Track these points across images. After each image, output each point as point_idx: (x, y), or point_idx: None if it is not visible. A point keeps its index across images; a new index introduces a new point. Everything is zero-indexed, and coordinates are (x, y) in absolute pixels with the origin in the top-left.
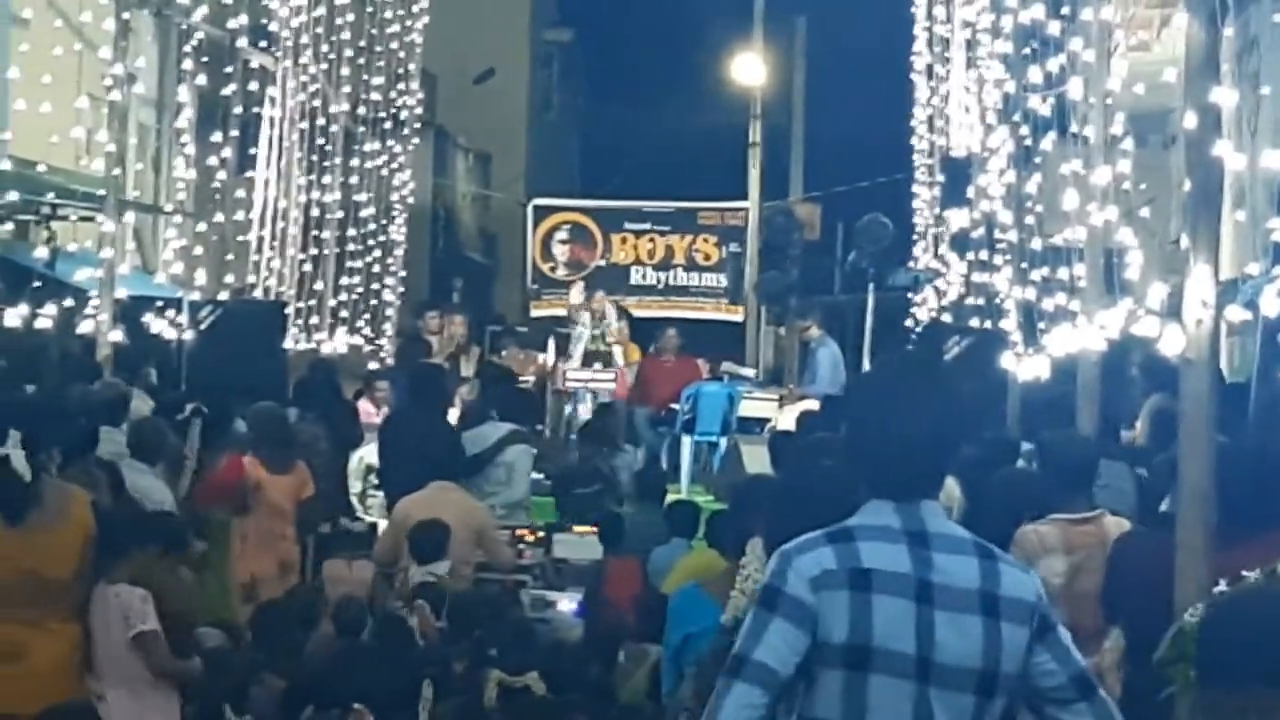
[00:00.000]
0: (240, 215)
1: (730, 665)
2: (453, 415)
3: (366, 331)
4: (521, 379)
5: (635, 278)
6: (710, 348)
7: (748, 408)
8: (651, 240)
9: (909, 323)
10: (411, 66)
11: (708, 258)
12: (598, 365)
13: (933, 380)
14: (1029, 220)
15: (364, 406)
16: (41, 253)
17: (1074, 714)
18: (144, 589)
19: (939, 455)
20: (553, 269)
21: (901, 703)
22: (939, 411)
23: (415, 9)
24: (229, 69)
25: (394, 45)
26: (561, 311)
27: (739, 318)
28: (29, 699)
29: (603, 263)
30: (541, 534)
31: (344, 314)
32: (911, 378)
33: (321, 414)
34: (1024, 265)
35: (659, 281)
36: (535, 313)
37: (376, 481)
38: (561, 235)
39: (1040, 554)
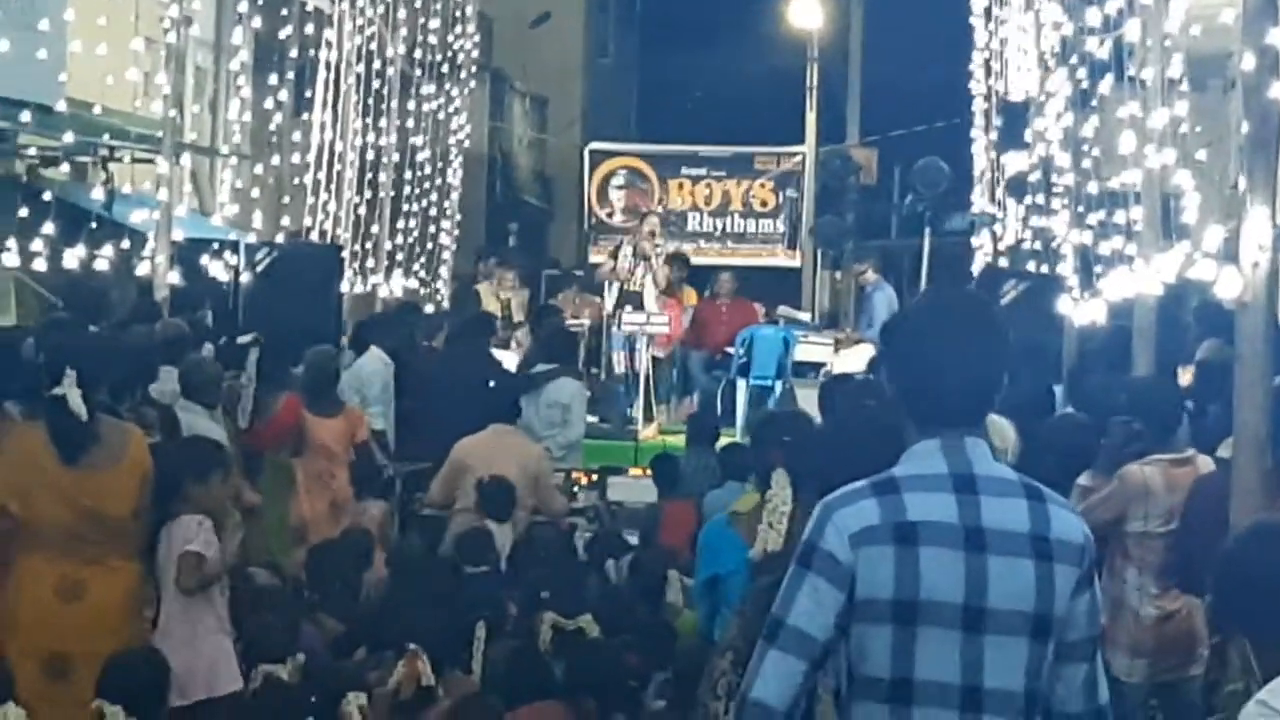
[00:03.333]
0: (296, 158)
1: (768, 629)
2: (508, 361)
3: (422, 276)
4: (577, 323)
5: (692, 224)
6: (767, 293)
7: (803, 352)
8: (708, 186)
9: (966, 267)
10: (468, 10)
11: (764, 203)
12: (628, 306)
13: (981, 310)
14: (1086, 164)
15: None
16: (98, 195)
17: (1071, 675)
18: (202, 515)
19: (985, 384)
20: (609, 214)
21: (951, 653)
22: (986, 339)
23: None
24: (285, 11)
25: None
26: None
27: (795, 263)
28: (89, 637)
29: (659, 208)
30: (596, 476)
31: (400, 258)
32: (960, 307)
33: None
34: (1081, 209)
35: (716, 228)
36: (592, 258)
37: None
38: (618, 180)
39: (1144, 493)
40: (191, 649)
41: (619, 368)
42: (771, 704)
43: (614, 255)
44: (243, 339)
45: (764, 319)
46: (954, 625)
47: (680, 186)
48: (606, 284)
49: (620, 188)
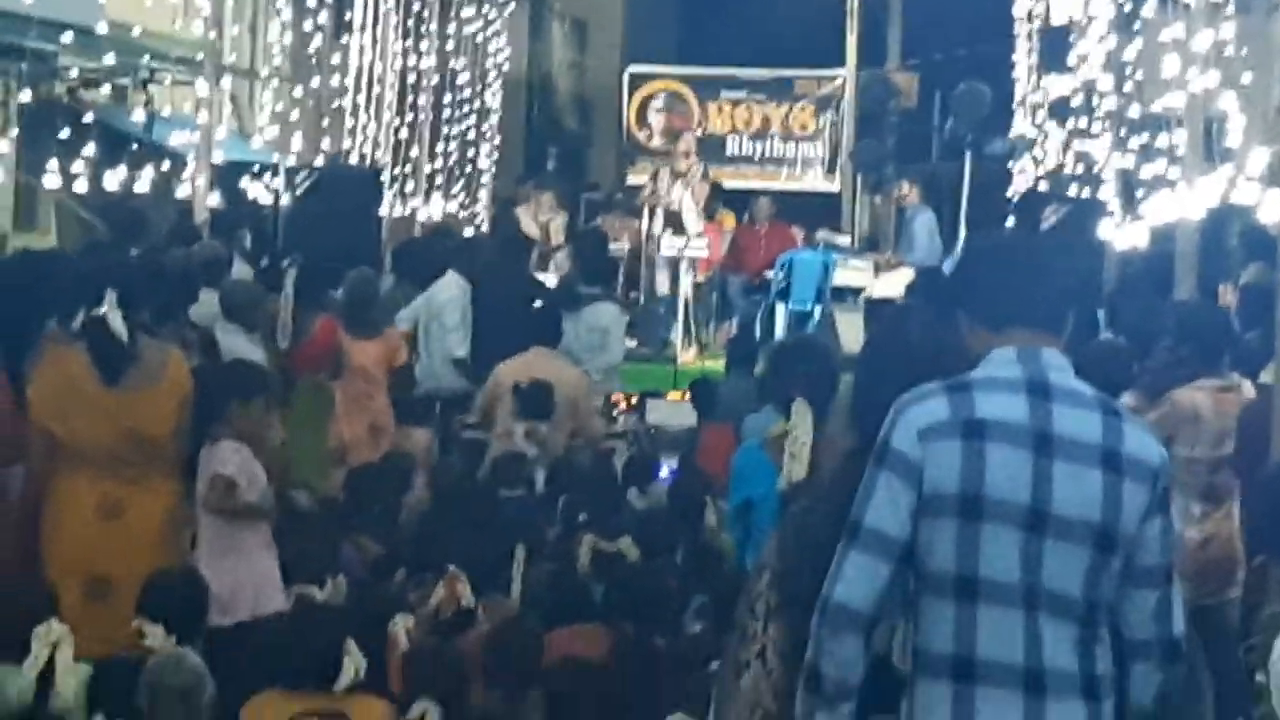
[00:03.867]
0: (336, 81)
1: (848, 529)
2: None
3: (461, 199)
4: (616, 247)
5: (731, 147)
6: (807, 217)
7: (843, 276)
8: (748, 109)
9: (1006, 191)
10: None
11: (804, 127)
12: (669, 230)
13: (1065, 244)
14: (1128, 88)
15: None
16: (138, 117)
17: (1142, 600)
18: (239, 442)
19: (1065, 292)
20: (648, 138)
21: (1012, 552)
22: (1069, 258)
23: None
24: None
25: None
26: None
27: (835, 187)
28: (128, 555)
29: (699, 132)
30: (635, 400)
31: (439, 181)
32: (1047, 237)
33: (421, 282)
34: (1123, 133)
35: (755, 151)
36: (631, 180)
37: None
38: (657, 104)
39: (1194, 418)
40: (236, 570)
41: (662, 289)
42: (854, 605)
43: (654, 178)
44: (283, 264)
45: (803, 243)
46: (1017, 524)
47: (720, 110)
48: (646, 208)
49: (659, 111)
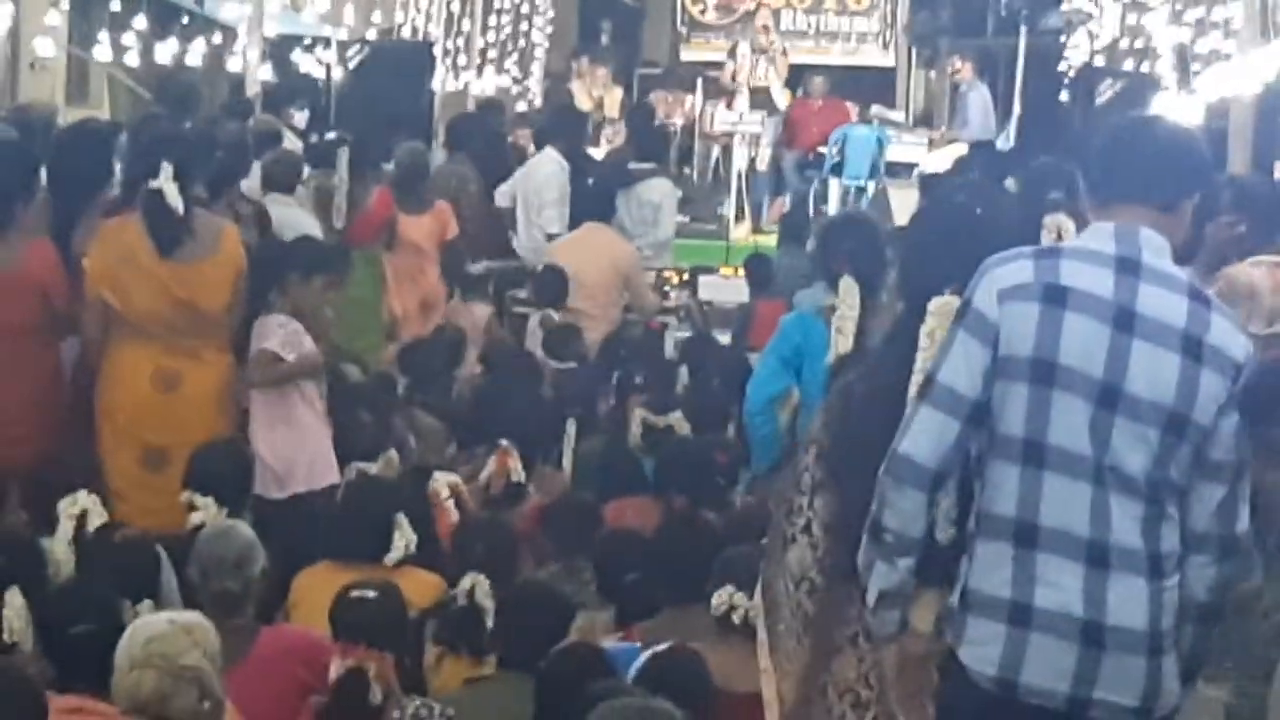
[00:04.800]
0: None
1: (921, 387)
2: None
3: (514, 73)
4: (669, 122)
5: (785, 22)
6: (860, 92)
7: (896, 151)
8: None
9: (1061, 66)
10: None
11: (859, 1)
12: (763, 111)
13: (1184, 128)
14: None
15: None
16: None
17: (1208, 493)
18: (297, 321)
19: (1174, 169)
20: (702, 12)
21: (1081, 423)
22: (1182, 140)
23: None
24: None
25: None
26: (712, 55)
27: (889, 61)
28: (185, 426)
29: (752, 5)
30: (687, 275)
31: (491, 55)
32: (1187, 127)
33: (474, 156)
34: (1178, 6)
35: (809, 25)
36: (685, 56)
37: None
38: None
39: (1250, 295)
40: (289, 443)
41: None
42: (919, 459)
43: (732, 54)
44: (328, 137)
45: (857, 118)
46: (1088, 397)
47: None
48: (729, 79)
49: None
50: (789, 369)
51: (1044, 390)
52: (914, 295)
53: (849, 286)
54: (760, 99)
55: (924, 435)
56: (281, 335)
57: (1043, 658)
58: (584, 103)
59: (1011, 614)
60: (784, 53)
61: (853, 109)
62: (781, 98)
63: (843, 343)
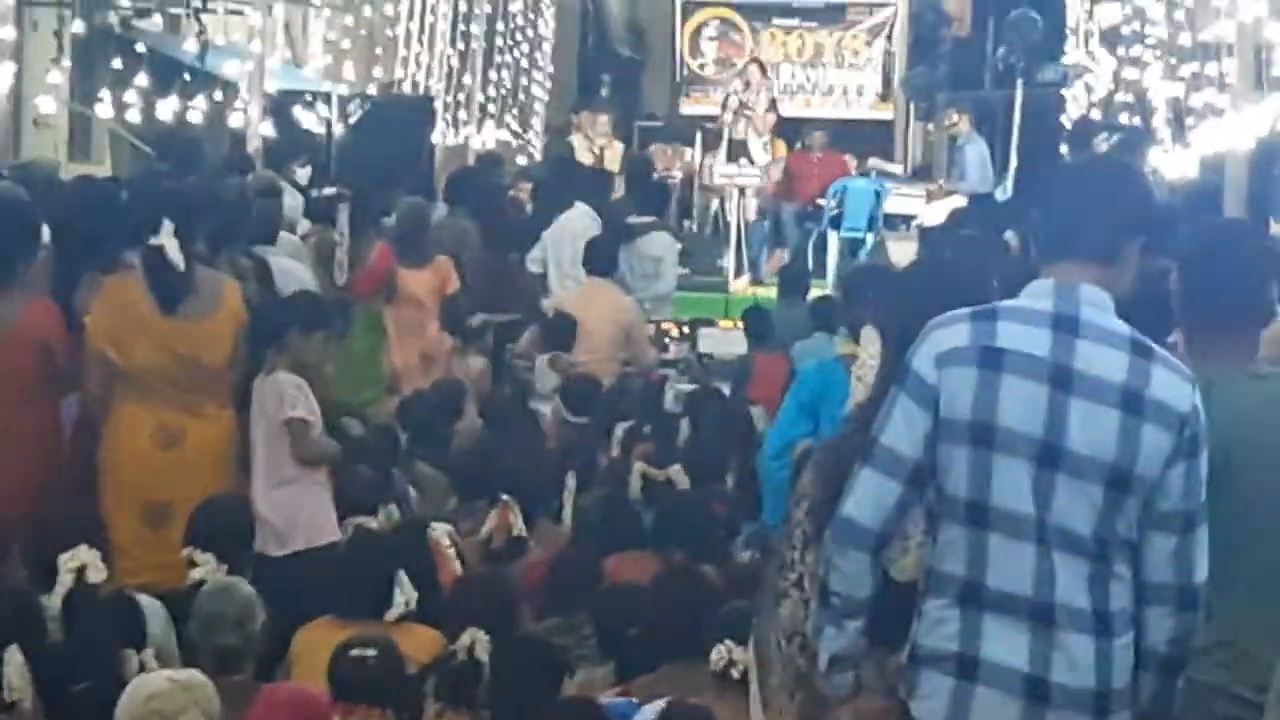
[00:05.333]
0: (389, 9)
1: (865, 448)
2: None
3: (514, 127)
4: (669, 174)
5: (785, 76)
6: (859, 145)
7: (894, 204)
8: (800, 37)
9: (1058, 119)
10: None
11: (856, 54)
12: (743, 161)
13: (1125, 168)
14: (1178, 16)
15: None
16: (191, 46)
17: (1161, 544)
18: (299, 377)
19: (1110, 226)
20: (701, 66)
21: (1024, 484)
22: (1121, 187)
23: None
24: None
25: None
26: (711, 108)
27: (887, 115)
28: (186, 482)
29: (752, 59)
30: (687, 328)
31: (492, 109)
32: (1107, 161)
33: (474, 210)
34: (1173, 61)
35: (808, 79)
36: (684, 109)
37: None
38: (710, 31)
39: None
40: (291, 501)
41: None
42: (861, 521)
43: (724, 107)
44: (327, 191)
45: (856, 171)
46: (1029, 458)
47: (773, 37)
48: (724, 134)
49: (712, 39)
50: (808, 416)
51: (985, 453)
52: (903, 349)
53: (871, 335)
54: (745, 151)
55: (866, 497)
56: (305, 402)
57: (987, 711)
58: (584, 156)
59: (959, 667)
60: (771, 108)
61: (851, 162)
62: (761, 154)
63: (862, 391)
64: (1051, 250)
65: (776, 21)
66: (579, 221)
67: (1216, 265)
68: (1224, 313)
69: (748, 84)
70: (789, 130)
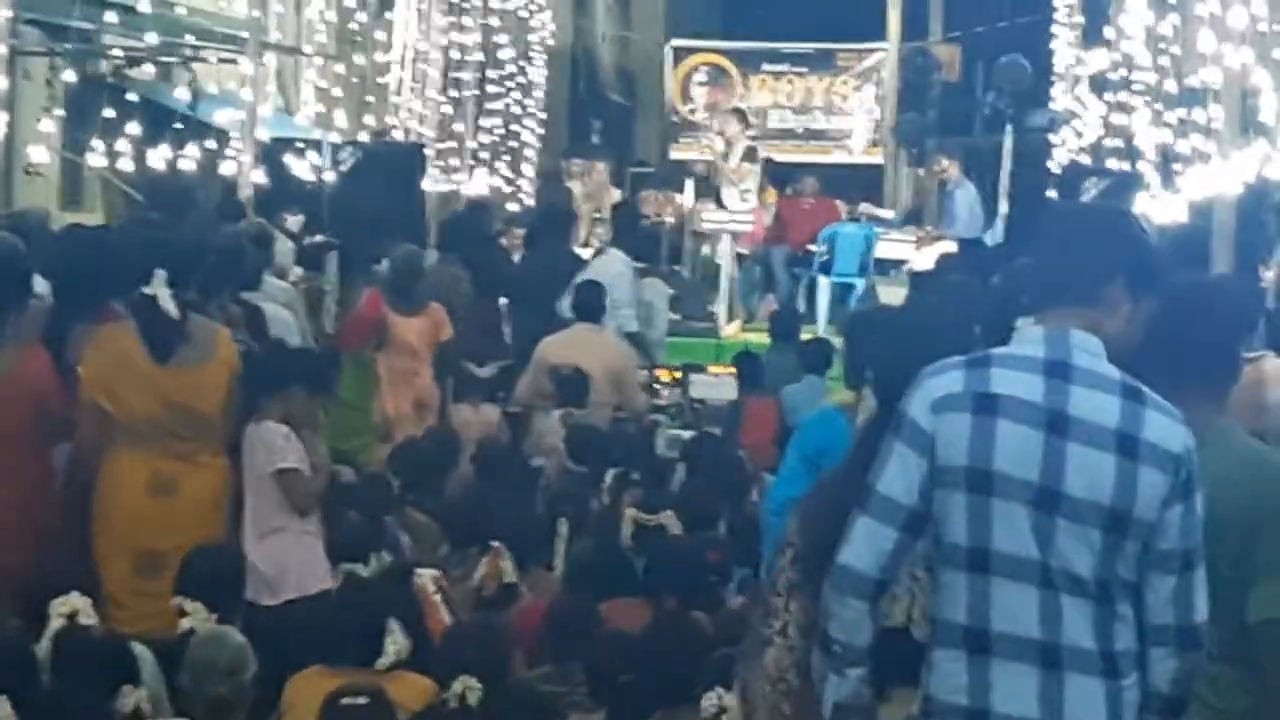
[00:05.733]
0: (380, 57)
1: (861, 496)
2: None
3: (506, 174)
4: (660, 219)
5: (774, 121)
6: (849, 190)
7: (885, 249)
8: (790, 82)
9: (1047, 164)
10: None
11: (846, 100)
12: (712, 204)
13: (1112, 212)
14: (1165, 62)
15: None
16: (183, 95)
17: (1160, 584)
18: (288, 426)
19: (1095, 272)
20: (692, 111)
21: (1024, 528)
22: (1108, 233)
23: None
24: None
25: None
26: (701, 154)
27: (877, 160)
28: (180, 531)
29: (742, 105)
30: (678, 374)
31: (483, 156)
32: (1094, 208)
33: (465, 257)
34: (1160, 107)
35: (798, 125)
36: (674, 155)
37: None
38: (700, 77)
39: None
40: (282, 550)
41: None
42: (859, 569)
43: (712, 152)
44: (316, 239)
45: (846, 216)
46: (1027, 502)
47: (762, 83)
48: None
49: (702, 84)
50: (810, 469)
51: (983, 498)
52: (888, 396)
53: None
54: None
55: (863, 545)
56: (296, 450)
57: None
58: (584, 205)
59: (970, 719)
60: (749, 157)
61: (841, 207)
62: (737, 203)
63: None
64: (1041, 297)
65: (766, 67)
66: (614, 266)
67: (1181, 327)
68: (1187, 375)
69: (721, 133)
70: (779, 175)
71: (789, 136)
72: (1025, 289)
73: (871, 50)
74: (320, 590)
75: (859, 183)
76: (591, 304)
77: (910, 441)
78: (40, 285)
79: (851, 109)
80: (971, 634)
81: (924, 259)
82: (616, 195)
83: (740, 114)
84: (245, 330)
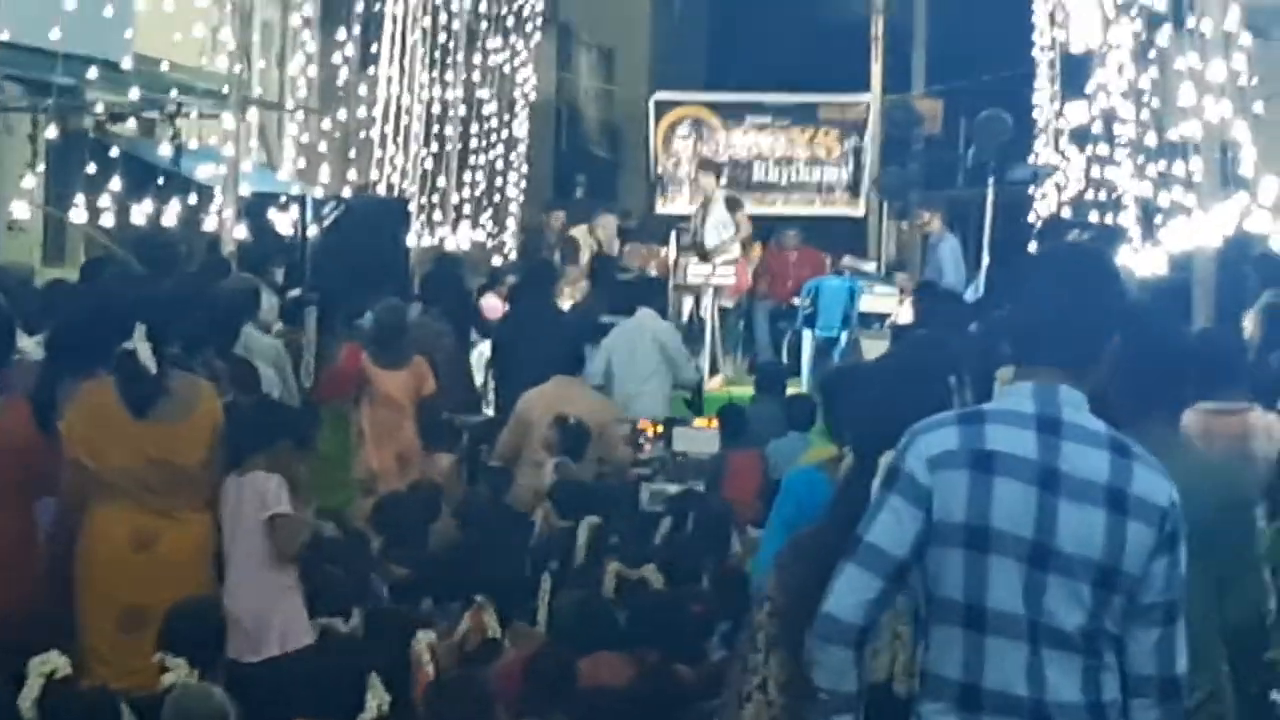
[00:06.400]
0: (363, 112)
1: (849, 546)
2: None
3: (489, 228)
4: (645, 274)
5: (757, 173)
6: (832, 243)
7: (869, 302)
8: (773, 135)
9: (1029, 217)
10: None
11: (829, 152)
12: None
13: (1096, 262)
14: (1146, 115)
15: (489, 302)
16: (165, 150)
17: (1143, 636)
18: (278, 475)
19: (1085, 330)
20: (675, 165)
21: (1016, 584)
22: (1094, 289)
23: None
24: None
25: None
26: (685, 208)
27: (860, 212)
28: (160, 587)
29: (725, 158)
30: (661, 427)
31: (467, 210)
32: (1077, 257)
33: (446, 310)
34: (1141, 160)
35: (780, 177)
36: (659, 208)
37: None
38: (683, 131)
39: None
40: (263, 607)
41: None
42: (843, 617)
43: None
44: (294, 293)
45: (830, 269)
46: (1021, 558)
47: (745, 135)
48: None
49: (685, 138)
50: (792, 530)
51: (980, 555)
52: (865, 450)
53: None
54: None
55: (847, 593)
56: (284, 497)
57: None
58: (586, 252)
59: None
60: (731, 207)
61: (825, 260)
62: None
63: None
64: (1027, 353)
65: (749, 119)
66: (650, 323)
67: (1136, 360)
68: (1145, 403)
69: (696, 183)
70: (762, 227)
71: (772, 188)
72: (1011, 340)
73: (854, 103)
74: (302, 646)
75: (841, 234)
76: (570, 358)
77: (907, 495)
78: (23, 341)
79: (834, 161)
80: (964, 690)
81: (908, 313)
82: (618, 247)
83: (710, 164)
84: (232, 385)
